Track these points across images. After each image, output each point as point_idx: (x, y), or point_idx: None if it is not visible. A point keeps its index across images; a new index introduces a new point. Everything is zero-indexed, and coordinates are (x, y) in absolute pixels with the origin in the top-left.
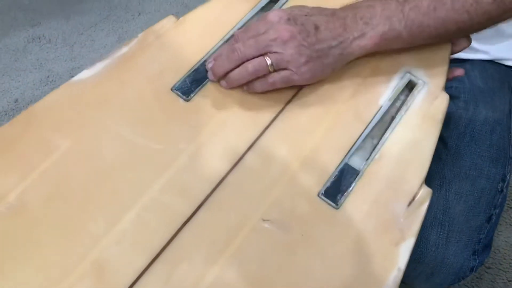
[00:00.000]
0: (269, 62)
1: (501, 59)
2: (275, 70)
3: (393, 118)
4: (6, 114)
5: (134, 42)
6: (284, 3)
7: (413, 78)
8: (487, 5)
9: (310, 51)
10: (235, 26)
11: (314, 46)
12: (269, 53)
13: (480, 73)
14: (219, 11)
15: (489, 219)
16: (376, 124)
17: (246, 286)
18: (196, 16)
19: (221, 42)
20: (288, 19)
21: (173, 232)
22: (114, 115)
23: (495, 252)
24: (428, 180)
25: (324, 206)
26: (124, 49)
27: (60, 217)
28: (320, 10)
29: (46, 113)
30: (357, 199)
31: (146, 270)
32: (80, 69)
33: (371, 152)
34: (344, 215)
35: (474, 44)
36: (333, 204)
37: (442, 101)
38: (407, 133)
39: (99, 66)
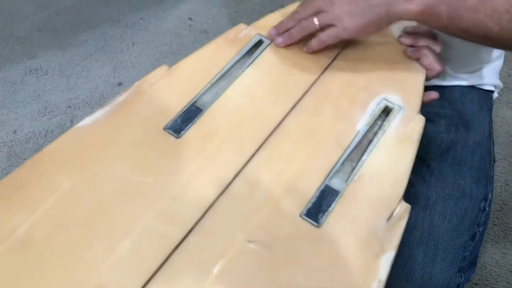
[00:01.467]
0: (316, 21)
1: (480, 84)
2: (321, 28)
3: (370, 141)
4: (5, 145)
5: (130, 90)
6: (265, 48)
7: (389, 104)
8: None
9: (353, 8)
10: (220, 71)
11: (358, 4)
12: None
13: (460, 97)
14: (206, 58)
15: (473, 237)
16: (354, 148)
17: None
18: (186, 64)
19: (209, 85)
20: None
21: (165, 256)
22: (111, 155)
23: (481, 269)
24: (414, 201)
25: (306, 225)
26: (122, 97)
27: (64, 248)
28: None
29: (52, 156)
30: (337, 217)
31: None
32: (77, 99)
33: (350, 174)
34: (326, 232)
35: (453, 73)
36: (315, 223)
37: (418, 123)
38: (384, 154)
39: (99, 113)
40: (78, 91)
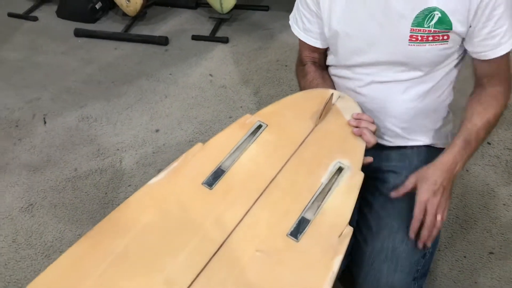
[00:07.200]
0: (439, 217)
1: (432, 144)
2: None
3: (329, 189)
4: (69, 181)
5: (181, 158)
6: (263, 131)
7: (341, 165)
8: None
9: (447, 194)
10: (235, 146)
11: (449, 194)
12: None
13: (417, 155)
14: (226, 137)
15: (424, 256)
16: (320, 193)
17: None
18: (215, 141)
19: (228, 155)
20: (435, 193)
21: (204, 264)
22: (170, 203)
23: (433, 280)
24: (382, 229)
25: (290, 240)
26: (175, 163)
27: None
28: (435, 171)
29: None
30: (309, 235)
31: None
32: (123, 143)
33: (317, 209)
34: (302, 245)
35: (410, 136)
36: (295, 239)
37: (359, 177)
38: (338, 197)
39: (161, 174)
40: (124, 136)
